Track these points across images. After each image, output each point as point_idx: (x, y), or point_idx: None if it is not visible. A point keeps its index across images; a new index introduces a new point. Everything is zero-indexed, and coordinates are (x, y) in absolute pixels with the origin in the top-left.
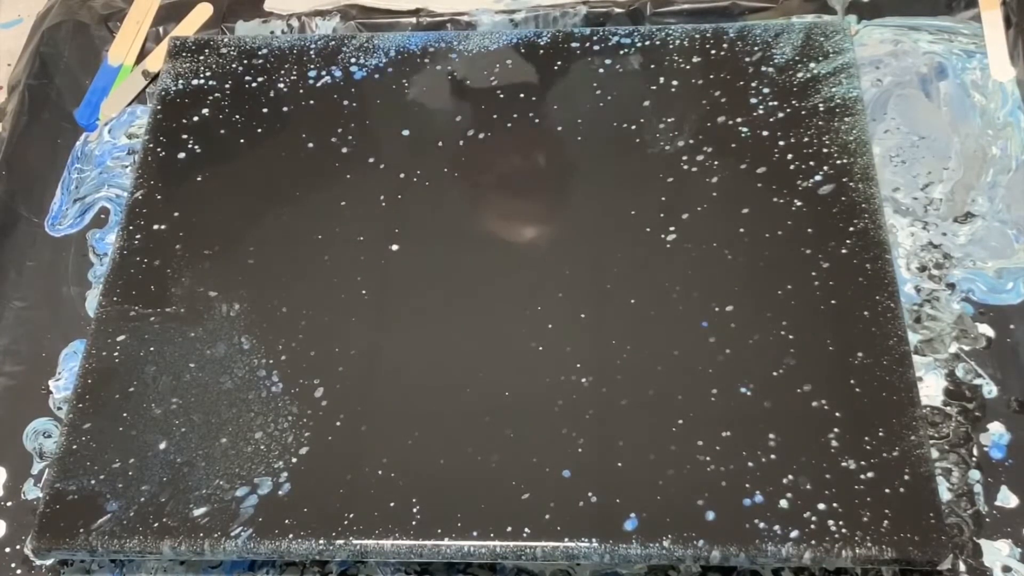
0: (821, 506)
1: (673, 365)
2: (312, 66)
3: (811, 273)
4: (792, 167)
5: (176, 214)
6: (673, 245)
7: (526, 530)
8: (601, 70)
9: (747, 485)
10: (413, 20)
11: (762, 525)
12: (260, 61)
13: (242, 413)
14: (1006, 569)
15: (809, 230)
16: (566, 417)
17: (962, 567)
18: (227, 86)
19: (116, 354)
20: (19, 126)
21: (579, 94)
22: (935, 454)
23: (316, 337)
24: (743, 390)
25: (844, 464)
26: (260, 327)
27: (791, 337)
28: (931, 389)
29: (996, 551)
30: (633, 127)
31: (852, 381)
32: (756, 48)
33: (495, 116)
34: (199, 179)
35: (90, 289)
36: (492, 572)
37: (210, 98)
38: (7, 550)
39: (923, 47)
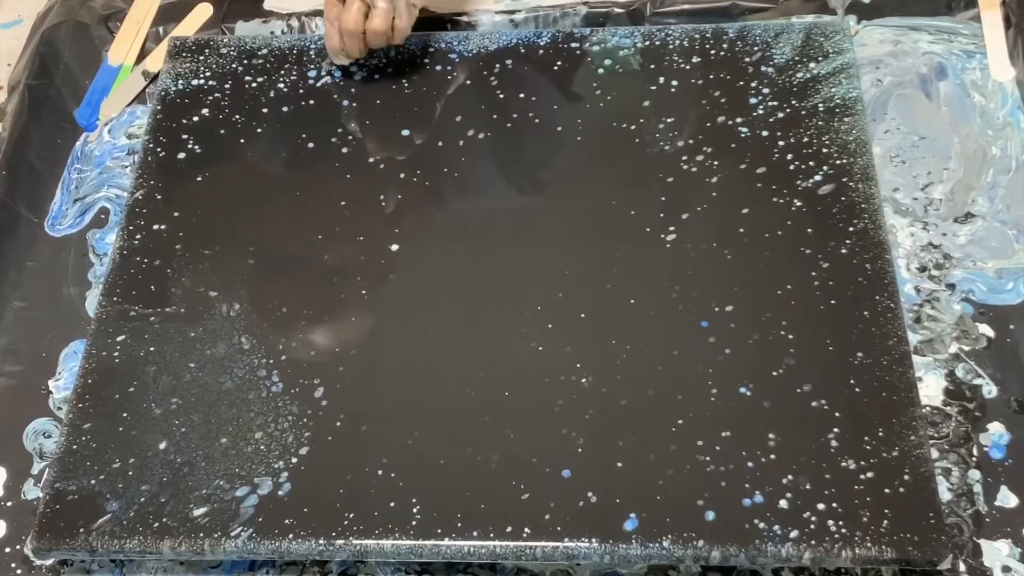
0: (821, 506)
1: (673, 365)
2: (312, 66)
3: (811, 273)
4: (792, 167)
5: (176, 214)
6: (673, 245)
7: (526, 530)
8: (601, 70)
9: (747, 485)
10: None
11: (762, 525)
12: (260, 61)
13: (242, 413)
14: (1006, 569)
15: (809, 230)
16: (566, 417)
17: (962, 567)
18: (227, 86)
19: (116, 354)
20: (19, 126)
21: (579, 94)
22: (935, 454)
23: (316, 337)
24: (743, 390)
25: (844, 464)
26: (260, 327)
27: (791, 337)
28: (931, 389)
29: (996, 551)
30: (633, 127)
31: (852, 381)
32: (756, 48)
33: (495, 116)
34: (199, 179)
35: (90, 289)
36: (492, 572)
37: (210, 98)
38: (7, 550)
39: (923, 47)
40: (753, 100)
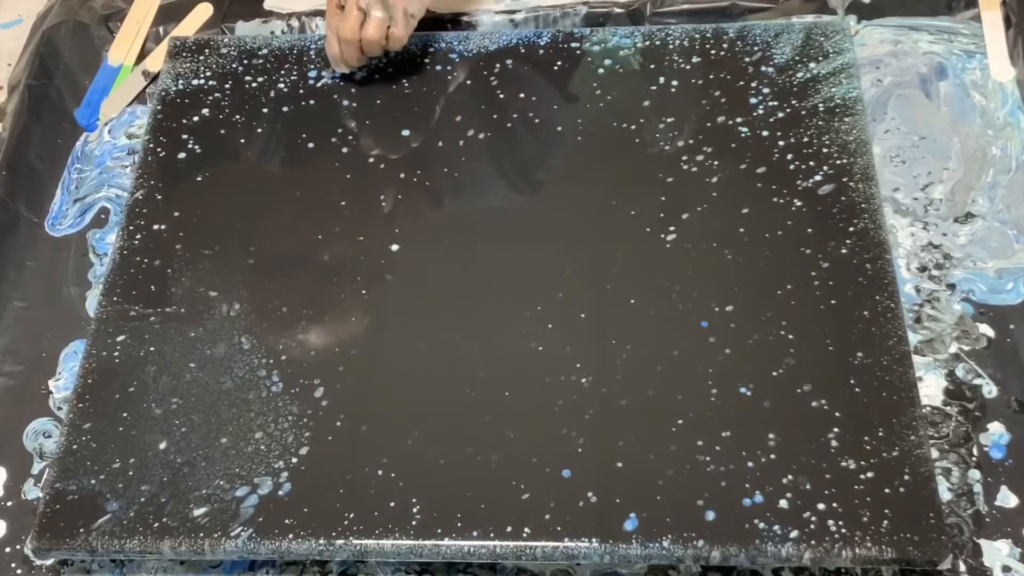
0: (821, 506)
1: (673, 365)
2: (312, 66)
3: (811, 273)
4: (792, 167)
5: (176, 214)
6: (673, 245)
7: (526, 530)
8: (601, 70)
9: (747, 485)
10: None
11: (762, 525)
12: (260, 61)
13: (242, 413)
14: (1006, 569)
15: (809, 230)
16: (566, 417)
17: (962, 567)
18: (227, 86)
19: (116, 354)
20: (19, 126)
21: (579, 94)
22: (935, 454)
23: (316, 337)
24: (743, 390)
25: (844, 464)
26: (260, 327)
27: (791, 337)
28: (931, 389)
29: (996, 551)
30: (633, 127)
31: (852, 381)
32: (756, 48)
33: (495, 116)
34: (199, 179)
35: (90, 289)
36: (492, 572)
37: (210, 98)
38: (7, 550)
39: (923, 47)
40: (753, 100)
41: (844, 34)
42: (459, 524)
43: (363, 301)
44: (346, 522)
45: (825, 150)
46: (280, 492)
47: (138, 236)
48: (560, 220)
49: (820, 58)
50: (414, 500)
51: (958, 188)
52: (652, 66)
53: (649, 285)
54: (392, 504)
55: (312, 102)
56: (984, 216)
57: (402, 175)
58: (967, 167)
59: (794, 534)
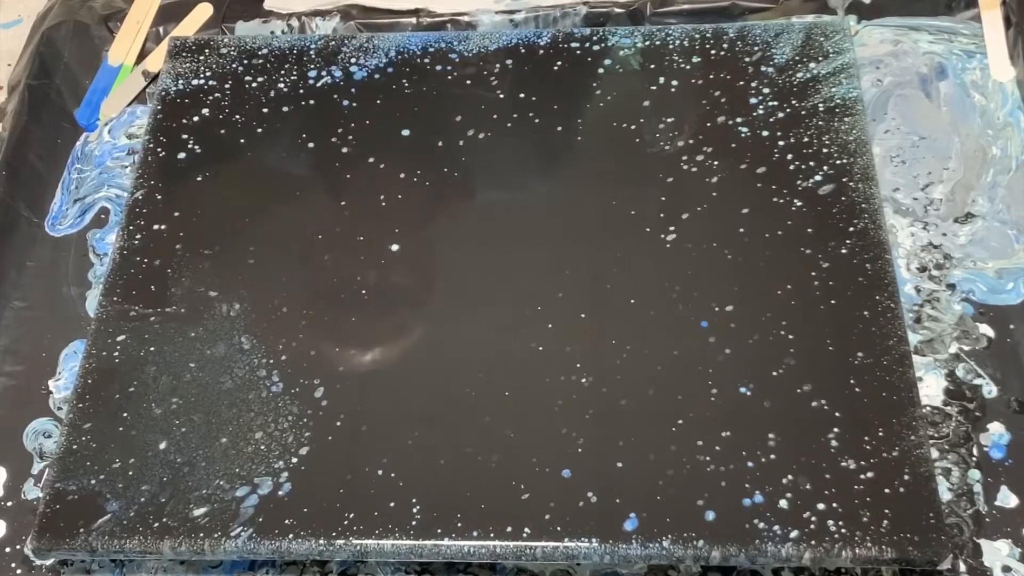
0: (821, 506)
1: (673, 365)
2: (312, 66)
3: (811, 273)
4: (792, 167)
5: (176, 214)
6: (673, 245)
7: (526, 530)
8: (601, 70)
9: (747, 485)
10: (413, 20)
11: (762, 525)
12: (260, 61)
13: (242, 413)
14: (1006, 569)
15: (809, 230)
16: (566, 417)
17: (962, 567)
18: (227, 86)
19: (116, 354)
20: (19, 126)
21: (579, 94)
22: (935, 454)
23: (316, 337)
24: (743, 390)
25: (844, 464)
26: (260, 327)
27: (791, 337)
28: (931, 389)
29: (996, 551)
30: (633, 127)
31: (852, 381)
32: (756, 48)
33: (495, 116)
34: (199, 179)
35: (90, 289)
36: (492, 572)
37: (210, 98)
38: (7, 550)
39: (923, 47)
40: (753, 100)
41: (844, 34)
42: (459, 524)
43: (363, 301)
44: (346, 522)
45: (825, 150)
46: (280, 492)
47: (138, 236)
48: (560, 220)
49: (820, 58)
50: (414, 500)
51: (958, 188)
52: (652, 66)
53: (649, 285)
54: (392, 504)
55: (312, 102)
56: (984, 216)
57: (402, 175)
58: (967, 167)
59: (794, 534)
